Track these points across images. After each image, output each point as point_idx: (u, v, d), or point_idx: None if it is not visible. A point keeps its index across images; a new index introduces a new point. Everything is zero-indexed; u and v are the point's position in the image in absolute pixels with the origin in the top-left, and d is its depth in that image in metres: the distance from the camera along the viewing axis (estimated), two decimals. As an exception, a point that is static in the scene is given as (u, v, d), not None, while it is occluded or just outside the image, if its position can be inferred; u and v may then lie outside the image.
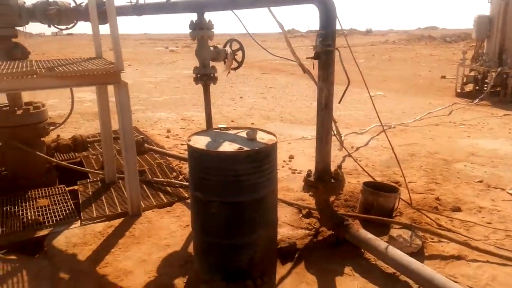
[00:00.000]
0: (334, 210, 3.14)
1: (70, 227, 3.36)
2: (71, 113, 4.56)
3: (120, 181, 4.31)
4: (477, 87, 9.71)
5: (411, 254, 2.65)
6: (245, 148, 2.40)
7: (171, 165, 4.81)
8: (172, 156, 5.01)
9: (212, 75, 3.66)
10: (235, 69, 3.94)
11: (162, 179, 4.31)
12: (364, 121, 7.19)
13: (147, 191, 4.06)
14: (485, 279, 2.54)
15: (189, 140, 2.62)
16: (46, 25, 4.21)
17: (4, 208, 3.70)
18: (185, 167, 4.75)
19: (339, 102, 2.93)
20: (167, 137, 6.42)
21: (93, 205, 3.77)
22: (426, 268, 2.39)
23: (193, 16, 3.55)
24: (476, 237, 3.04)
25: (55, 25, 4.12)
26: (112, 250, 3.01)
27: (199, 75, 3.64)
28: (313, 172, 3.00)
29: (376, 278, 2.60)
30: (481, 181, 4.24)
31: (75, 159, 5.14)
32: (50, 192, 4.10)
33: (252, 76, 14.30)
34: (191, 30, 3.54)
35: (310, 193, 3.11)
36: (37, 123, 4.17)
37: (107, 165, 4.30)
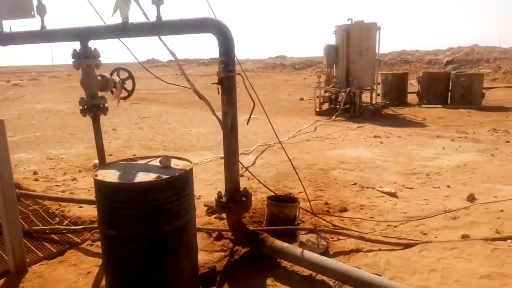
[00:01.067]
0: (247, 227, 3.24)
1: None
2: None
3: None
4: (332, 106, 11.24)
5: (320, 254, 2.92)
6: (164, 176, 2.33)
7: (50, 210, 4.23)
8: (59, 199, 4.42)
9: (102, 105, 3.43)
10: (125, 98, 3.77)
11: (45, 227, 3.77)
12: (245, 143, 7.57)
13: (28, 243, 3.49)
14: (383, 265, 2.95)
15: (95, 176, 2.40)
16: None
17: None
18: (69, 210, 4.25)
19: (247, 123, 3.09)
20: (36, 179, 5.62)
21: (-43, 270, 3.07)
22: (340, 264, 2.68)
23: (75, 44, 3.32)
24: (365, 231, 3.51)
25: None
26: (0, 318, 2.50)
27: (86, 106, 3.37)
28: (223, 193, 3.06)
29: (297, 283, 2.77)
30: (355, 184, 4.91)
31: None
32: None
33: (120, 107, 13.61)
34: (74, 60, 3.28)
35: (223, 213, 3.15)
36: None
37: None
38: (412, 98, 12.93)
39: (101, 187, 2.32)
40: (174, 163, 2.59)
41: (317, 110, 11.38)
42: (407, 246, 3.22)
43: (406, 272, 2.86)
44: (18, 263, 3.01)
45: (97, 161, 6.49)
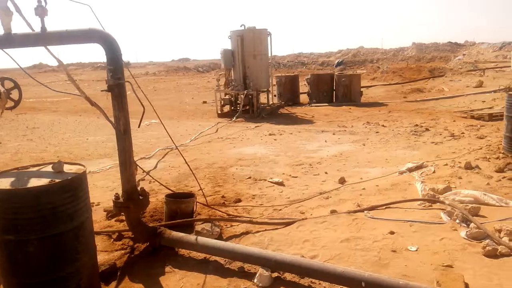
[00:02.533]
0: (145, 224, 3.50)
1: None
2: None
3: None
4: (232, 108, 11.83)
5: (214, 240, 3.33)
6: (57, 180, 2.50)
7: None
8: None
9: (-14, 116, 3.38)
10: (11, 108, 3.72)
11: None
12: (147, 147, 7.69)
13: None
14: (267, 241, 3.47)
15: (-15, 184, 2.47)
16: None
17: None
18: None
19: (138, 127, 3.35)
20: None
21: None
22: (228, 244, 3.13)
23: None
24: (255, 216, 4.03)
25: None
26: None
27: (-32, 119, 3.30)
28: (120, 194, 3.28)
29: (192, 266, 3.14)
30: (250, 177, 5.45)
31: None
32: None
33: (5, 118, 12.48)
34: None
35: (122, 216, 3.37)
36: None
37: None
38: (304, 98, 14.20)
39: (-6, 195, 2.41)
40: (67, 168, 2.76)
41: (219, 112, 11.87)
42: (288, 224, 3.80)
43: (285, 245, 3.42)
44: None
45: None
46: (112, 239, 3.63)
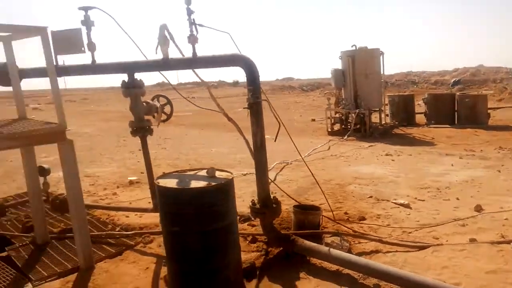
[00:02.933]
0: (279, 230, 3.72)
1: (20, 292, 3.17)
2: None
3: (53, 240, 4.13)
4: (343, 126, 11.77)
5: (345, 254, 3.37)
6: (213, 183, 2.85)
7: (101, 219, 4.76)
8: (103, 207, 4.96)
9: (148, 127, 4.02)
10: (164, 121, 4.35)
11: (101, 233, 4.28)
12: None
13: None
14: (400, 262, 3.39)
15: (158, 183, 2.94)
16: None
17: None
18: (118, 219, 4.78)
19: (275, 141, 3.63)
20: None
21: (36, 266, 3.59)
22: (362, 259, 3.14)
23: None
24: (383, 236, 3.96)
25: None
26: (79, 303, 2.99)
27: (135, 129, 3.96)
28: (256, 201, 3.56)
29: (326, 276, 3.23)
30: (371, 197, 5.36)
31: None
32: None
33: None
34: (123, 89, 3.88)
35: (254, 221, 3.65)
36: None
37: (38, 226, 4.09)
38: (420, 118, 13.39)
39: (165, 192, 2.85)
40: (218, 174, 3.12)
41: (329, 130, 11.90)
42: (421, 248, 3.65)
43: (421, 268, 3.29)
44: (87, 260, 3.52)
45: (132, 178, 7.11)
46: (247, 241, 3.92)
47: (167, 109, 4.25)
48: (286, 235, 3.56)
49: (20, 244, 4.11)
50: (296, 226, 4.02)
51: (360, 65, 11.38)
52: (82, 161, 8.85)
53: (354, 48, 11.61)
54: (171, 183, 2.92)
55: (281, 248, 3.60)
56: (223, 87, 59.55)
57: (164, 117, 4.40)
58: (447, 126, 11.96)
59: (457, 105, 12.50)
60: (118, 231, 4.36)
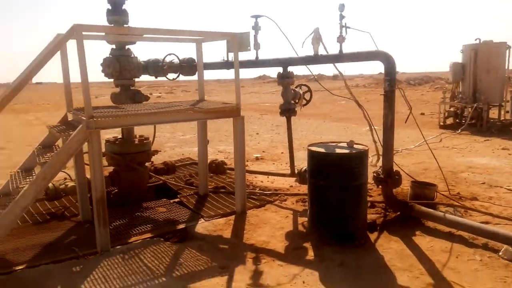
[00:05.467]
0: (397, 197, 4.44)
1: (199, 222, 4.46)
2: (153, 143, 5.66)
3: (210, 193, 5.44)
4: (456, 120, 11.58)
5: (457, 222, 3.95)
6: (353, 151, 3.72)
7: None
8: (255, 172, 6.19)
9: (293, 109, 5.03)
10: (304, 105, 5.32)
11: (247, 190, 5.48)
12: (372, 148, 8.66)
13: (237, 199, 5.20)
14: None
15: (310, 149, 3.91)
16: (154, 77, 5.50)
17: (135, 214, 4.76)
18: (256, 182, 5.96)
19: (405, 122, 4.33)
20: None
21: (204, 208, 4.89)
22: (474, 222, 3.72)
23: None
24: (494, 213, 4.40)
25: (165, 76, 5.36)
26: (244, 232, 4.15)
27: (284, 110, 5.00)
28: (379, 172, 4.33)
29: (439, 235, 3.88)
30: (484, 183, 5.68)
31: (158, 181, 6.20)
32: (160, 204, 5.17)
33: (254, 117, 15.83)
34: (279, 79, 4.93)
35: (379, 186, 4.42)
36: (147, 150, 5.31)
37: (202, 181, 5.43)
38: (547, 116, 12.35)
39: (316, 155, 3.81)
40: (356, 146, 3.97)
41: (441, 124, 11.81)
42: (532, 224, 4.04)
43: (529, 239, 3.72)
44: (242, 206, 4.70)
45: (256, 155, 8.31)
46: (367, 207, 4.71)
47: (307, 95, 5.22)
48: (404, 201, 4.28)
49: (188, 194, 5.50)
50: (412, 198, 4.67)
51: (482, 59, 11.06)
52: (212, 140, 10.52)
53: (477, 41, 11.30)
54: (320, 149, 3.88)
55: (399, 213, 4.32)
56: (323, 80, 59.50)
57: (304, 102, 5.36)
58: None
59: None
60: (258, 190, 5.52)
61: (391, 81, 4.09)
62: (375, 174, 4.39)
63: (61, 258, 3.64)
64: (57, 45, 3.51)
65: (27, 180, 3.65)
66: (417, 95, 28.19)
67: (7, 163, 8.16)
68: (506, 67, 11.38)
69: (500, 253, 3.37)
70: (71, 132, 3.50)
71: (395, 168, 4.88)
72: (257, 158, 8.10)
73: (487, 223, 4.11)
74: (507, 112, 12.74)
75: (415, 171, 6.55)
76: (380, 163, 4.47)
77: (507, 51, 11.15)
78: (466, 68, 11.26)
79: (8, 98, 3.43)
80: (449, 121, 11.92)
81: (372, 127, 4.80)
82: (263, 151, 8.82)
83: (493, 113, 12.04)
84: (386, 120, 4.20)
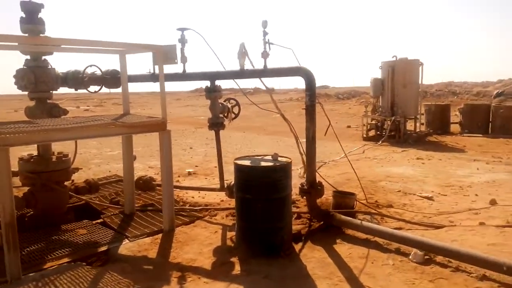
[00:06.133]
0: (320, 208, 4.65)
1: (123, 243, 4.27)
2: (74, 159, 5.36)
3: (137, 211, 5.25)
4: (378, 132, 12.49)
5: (373, 228, 4.23)
6: (277, 164, 3.84)
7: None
8: (185, 188, 6.07)
9: (222, 123, 5.07)
10: (233, 118, 5.39)
11: (176, 207, 5.36)
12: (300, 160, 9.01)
13: (165, 216, 5.08)
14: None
15: (236, 163, 3.96)
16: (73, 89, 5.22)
17: (52, 238, 4.43)
18: (186, 198, 5.87)
19: (324, 135, 4.56)
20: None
21: (129, 228, 4.69)
22: (387, 228, 4.01)
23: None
24: (406, 218, 4.78)
25: (87, 89, 5.12)
26: (171, 250, 4.05)
27: (212, 124, 5.02)
28: (304, 183, 4.51)
29: (357, 242, 4.12)
30: (399, 191, 6.16)
31: (79, 201, 5.84)
32: (80, 225, 4.86)
33: (188, 131, 15.64)
34: (206, 92, 4.95)
35: (304, 197, 4.59)
36: (66, 168, 4.99)
37: (127, 199, 5.22)
38: (455, 128, 13.83)
39: (242, 168, 3.87)
40: (279, 159, 4.09)
41: (364, 136, 12.65)
42: (437, 227, 4.46)
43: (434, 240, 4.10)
44: (170, 224, 4.59)
45: (189, 170, 8.19)
46: (294, 217, 4.85)
47: (235, 109, 5.28)
48: (326, 211, 4.48)
49: (112, 213, 5.25)
50: (334, 207, 4.92)
51: (399, 75, 12.08)
52: (143, 156, 10.19)
53: (394, 58, 12.33)
54: (246, 162, 3.94)
55: (322, 222, 4.51)
56: (259, 94, 60.75)
57: (233, 115, 5.42)
58: (480, 135, 12.37)
59: (492, 115, 12.87)
60: (188, 206, 5.44)
61: (311, 96, 4.31)
62: (300, 185, 4.56)
63: (-38, 291, 3.27)
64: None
65: None
66: (345, 108, 29.97)
67: None
68: (420, 82, 12.58)
69: (410, 257, 3.67)
70: (-28, 151, 3.18)
71: (319, 179, 5.13)
72: (189, 173, 8.00)
73: (400, 228, 4.46)
74: (422, 124, 14.04)
75: (340, 181, 6.91)
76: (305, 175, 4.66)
77: (420, 67, 12.34)
78: (384, 83, 12.24)
79: None
80: (371, 133, 12.81)
81: (298, 140, 4.98)
82: (196, 166, 8.74)
83: (410, 125, 13.19)
84: (308, 133, 4.41)
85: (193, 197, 5.96)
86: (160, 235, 4.48)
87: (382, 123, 12.51)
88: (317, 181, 4.57)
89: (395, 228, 4.46)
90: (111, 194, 5.99)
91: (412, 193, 6.03)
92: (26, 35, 4.35)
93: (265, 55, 4.53)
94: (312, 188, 4.41)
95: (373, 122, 12.79)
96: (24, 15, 4.36)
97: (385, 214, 4.94)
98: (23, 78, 4.50)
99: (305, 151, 4.59)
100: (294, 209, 5.09)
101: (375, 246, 4.00)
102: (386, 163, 8.66)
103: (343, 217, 4.34)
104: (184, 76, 5.09)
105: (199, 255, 3.94)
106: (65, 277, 3.50)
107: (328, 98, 46.69)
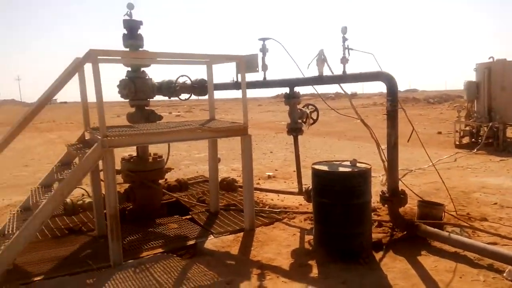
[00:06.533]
0: (403, 217, 4.47)
1: (209, 239, 4.58)
2: (167, 160, 5.86)
3: (221, 210, 5.57)
4: (472, 139, 11.46)
5: (463, 242, 3.95)
6: (356, 170, 3.81)
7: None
8: (264, 190, 6.32)
9: (300, 128, 5.16)
10: (311, 124, 5.44)
11: (256, 208, 5.59)
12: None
13: (247, 216, 5.31)
14: (516, 253, 3.84)
15: (314, 167, 4.02)
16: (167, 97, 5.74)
17: (148, 230, 4.92)
18: (266, 200, 6.07)
19: (408, 141, 4.41)
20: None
21: (214, 225, 5.01)
22: (479, 243, 3.71)
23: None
24: (502, 233, 4.36)
25: (178, 97, 5.59)
26: (251, 249, 4.25)
27: (291, 129, 5.13)
28: (385, 191, 4.38)
29: (444, 255, 3.88)
30: (495, 203, 5.62)
31: (171, 198, 6.38)
32: (172, 220, 5.32)
33: (269, 136, 15.99)
34: (285, 99, 5.09)
35: (385, 205, 4.46)
36: (160, 168, 5.50)
37: (213, 199, 5.57)
38: None
39: (319, 173, 3.91)
40: (358, 165, 4.05)
41: (457, 143, 11.70)
42: (541, 245, 3.99)
43: (537, 260, 3.69)
44: (251, 224, 4.80)
45: (269, 173, 8.42)
46: (374, 225, 4.74)
47: (314, 115, 5.35)
48: (411, 221, 4.30)
49: (199, 211, 5.64)
50: (419, 217, 4.69)
51: (497, 77, 11.00)
52: (226, 158, 10.71)
53: (491, 60, 11.27)
54: (323, 167, 3.98)
55: (405, 232, 4.34)
56: (340, 99, 59.59)
57: (311, 121, 5.49)
58: None
59: None
60: (268, 208, 5.62)
61: (393, 101, 4.20)
62: (381, 193, 4.45)
63: (77, 270, 3.82)
64: (75, 68, 3.77)
65: (46, 195, 3.87)
66: (435, 113, 27.92)
67: (30, 179, 8.54)
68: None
69: (505, 274, 3.36)
70: (87, 150, 3.72)
71: (402, 187, 4.93)
72: (269, 176, 8.21)
73: (494, 244, 4.09)
74: (526, 131, 12.53)
75: (426, 191, 6.53)
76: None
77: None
78: (480, 86, 11.21)
79: (28, 119, 3.69)
80: (465, 140, 11.79)
81: (379, 146, 4.86)
82: (276, 170, 8.94)
83: (511, 132, 11.88)
84: (390, 139, 4.28)
85: (272, 200, 6.13)
86: (241, 234, 4.71)
87: (477, 130, 11.45)
88: (400, 189, 4.41)
89: (489, 243, 4.12)
90: (198, 193, 6.44)
91: (511, 206, 5.46)
92: (128, 49, 4.93)
93: (344, 60, 4.52)
94: (394, 196, 4.27)
95: (467, 128, 11.77)
96: (126, 32, 4.95)
97: (478, 227, 4.56)
98: (125, 87, 5.10)
99: (386, 157, 4.47)
100: (374, 217, 4.97)
101: (465, 260, 3.74)
102: (481, 173, 7.93)
103: (429, 228, 4.13)
104: (264, 84, 5.29)
105: (278, 255, 4.06)
106: (159, 266, 3.89)
107: (417, 103, 43.96)
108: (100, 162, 3.91)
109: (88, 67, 3.69)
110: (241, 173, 8.74)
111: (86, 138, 4.65)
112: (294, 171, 8.68)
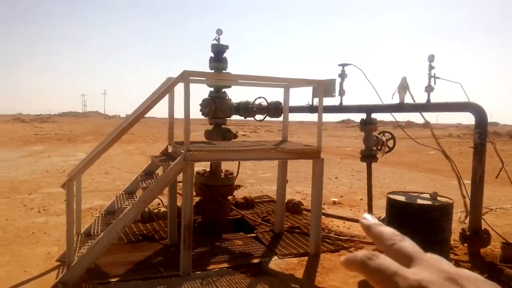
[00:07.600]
0: (484, 258, 4.14)
1: (273, 259, 4.61)
2: (236, 178, 6.02)
3: (285, 232, 5.58)
4: None
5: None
6: (436, 203, 3.63)
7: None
8: (330, 216, 6.26)
9: (375, 156, 5.05)
10: (387, 152, 5.31)
11: (321, 233, 5.52)
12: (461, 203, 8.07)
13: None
14: None
15: (389, 197, 3.90)
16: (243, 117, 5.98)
17: (215, 244, 5.08)
18: (331, 226, 5.97)
19: (496, 177, 4.13)
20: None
21: (278, 246, 5.03)
22: None
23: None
24: None
25: (254, 117, 5.80)
26: (316, 274, 4.19)
27: (365, 156, 5.05)
28: (466, 229, 4.10)
29: (534, 307, 3.51)
30: None
31: (237, 215, 6.54)
32: (237, 236, 5.44)
33: (334, 161, 15.74)
34: (361, 125, 5.04)
35: (464, 244, 4.17)
36: (231, 184, 5.69)
37: (278, 219, 5.62)
38: None
39: (395, 203, 3.79)
40: (439, 198, 3.86)
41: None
42: None
43: None
44: (316, 249, 4.75)
45: (334, 199, 8.28)
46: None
47: (390, 143, 5.22)
48: (492, 263, 3.97)
49: (263, 230, 5.70)
50: (502, 260, 4.31)
51: None
52: (291, 180, 10.72)
53: None
54: (401, 198, 3.85)
55: (486, 275, 4.00)
56: (412, 127, 56.99)
57: (387, 149, 5.36)
58: None
59: None
60: (333, 235, 5.52)
61: (481, 134, 3.98)
62: (461, 231, 4.17)
63: (149, 276, 4.05)
64: (169, 87, 4.10)
65: (130, 201, 4.20)
66: (520, 149, 25.48)
67: (110, 185, 9.27)
68: None
69: None
70: (170, 163, 3.99)
71: (485, 226, 4.58)
72: (334, 202, 8.07)
73: None
74: None
75: (509, 232, 5.96)
76: (468, 220, 4.24)
77: None
78: None
79: (123, 131, 4.07)
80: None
81: (461, 181, 4.60)
82: (341, 196, 8.75)
83: None
84: (475, 174, 4.04)
85: (338, 226, 6.00)
86: (306, 258, 4.67)
87: None
88: (484, 228, 4.10)
89: None
90: (262, 212, 6.53)
91: None
92: (213, 71, 5.25)
93: (429, 89, 4.40)
94: (476, 235, 3.98)
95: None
96: (213, 55, 5.29)
97: None
98: (206, 106, 5.41)
99: (468, 193, 4.20)
100: (451, 256, 4.65)
101: (559, 316, 3.35)
102: None
103: (514, 273, 3.77)
104: (340, 109, 5.30)
105: (344, 284, 3.96)
106: (225, 280, 3.99)
107: (498, 137, 40.37)
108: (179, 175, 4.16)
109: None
110: (305, 196, 8.75)
111: (169, 151, 4.99)
112: (361, 199, 8.46)
